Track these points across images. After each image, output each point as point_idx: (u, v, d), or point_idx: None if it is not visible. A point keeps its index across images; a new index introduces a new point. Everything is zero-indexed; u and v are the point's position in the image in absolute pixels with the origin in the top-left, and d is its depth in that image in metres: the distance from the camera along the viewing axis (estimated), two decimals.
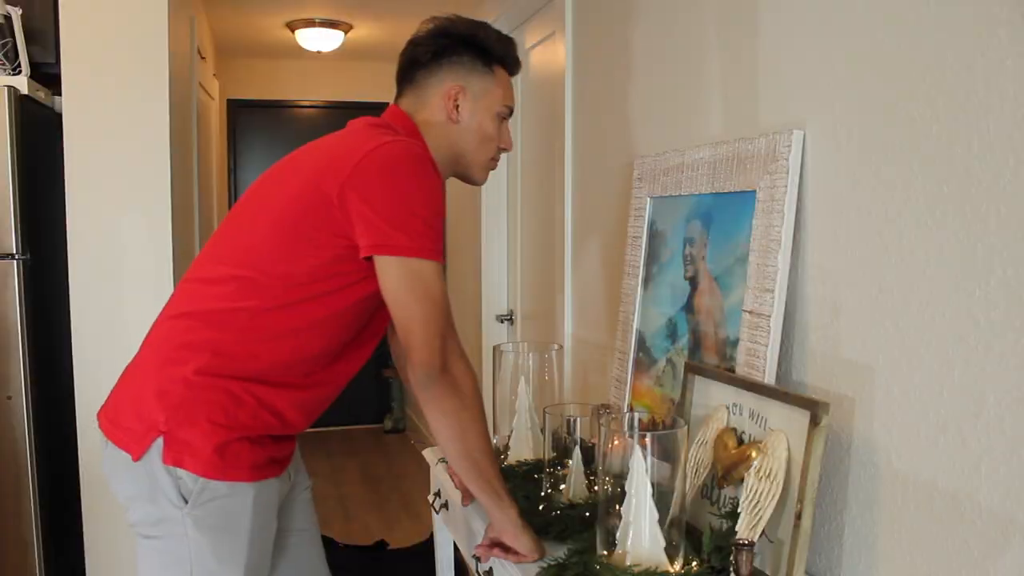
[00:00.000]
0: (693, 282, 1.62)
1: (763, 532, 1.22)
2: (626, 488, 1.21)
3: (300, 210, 1.35)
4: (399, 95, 1.56)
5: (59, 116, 2.68)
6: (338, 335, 1.42)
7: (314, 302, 1.36)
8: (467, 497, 1.61)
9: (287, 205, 1.37)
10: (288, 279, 1.35)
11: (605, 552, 1.25)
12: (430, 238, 1.33)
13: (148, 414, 1.34)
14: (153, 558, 1.39)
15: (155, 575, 1.39)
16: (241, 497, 1.35)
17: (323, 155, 1.41)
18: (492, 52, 1.53)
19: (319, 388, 1.44)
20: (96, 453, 2.69)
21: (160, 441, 1.32)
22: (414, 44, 1.56)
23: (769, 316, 1.36)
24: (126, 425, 1.36)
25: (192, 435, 1.32)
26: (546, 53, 2.92)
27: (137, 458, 1.34)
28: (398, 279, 1.33)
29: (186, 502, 1.33)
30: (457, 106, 1.52)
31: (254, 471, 1.36)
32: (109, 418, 1.41)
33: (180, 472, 1.32)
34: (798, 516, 1.17)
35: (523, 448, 1.85)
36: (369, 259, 1.34)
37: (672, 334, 1.68)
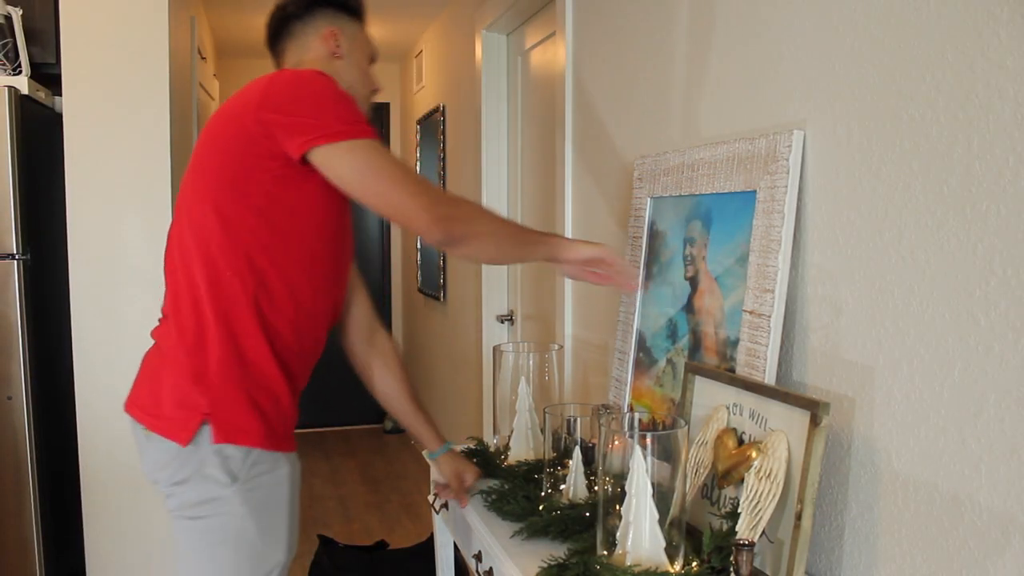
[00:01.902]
0: (693, 282, 1.62)
1: (763, 532, 1.22)
2: (626, 488, 1.21)
3: (231, 161, 1.40)
4: (279, 58, 1.66)
5: (59, 116, 2.69)
6: (313, 253, 1.46)
7: (284, 232, 1.41)
8: (465, 500, 1.70)
9: (216, 167, 1.42)
10: (248, 226, 1.40)
11: (605, 552, 1.25)
12: (361, 121, 1.38)
13: (189, 400, 1.39)
14: (198, 538, 1.43)
15: (200, 554, 1.43)
16: (281, 470, 1.44)
17: (230, 107, 1.48)
18: (351, 5, 1.66)
19: (306, 335, 1.50)
20: (96, 453, 2.71)
21: (206, 424, 1.38)
22: (283, 6, 1.65)
23: (769, 316, 1.36)
24: (168, 415, 1.41)
25: (235, 412, 1.39)
26: (546, 53, 2.92)
27: (186, 443, 1.38)
28: (351, 164, 1.36)
29: (234, 480, 1.39)
30: (338, 44, 1.62)
31: (289, 441, 1.45)
32: (147, 410, 1.46)
33: (229, 450, 1.38)
34: (798, 516, 1.17)
35: (523, 448, 1.85)
36: (306, 163, 1.36)
37: (672, 334, 1.68)
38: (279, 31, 1.66)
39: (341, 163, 1.36)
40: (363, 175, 1.36)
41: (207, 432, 1.38)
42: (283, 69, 1.50)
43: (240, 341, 1.40)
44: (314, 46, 1.62)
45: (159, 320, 1.54)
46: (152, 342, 1.54)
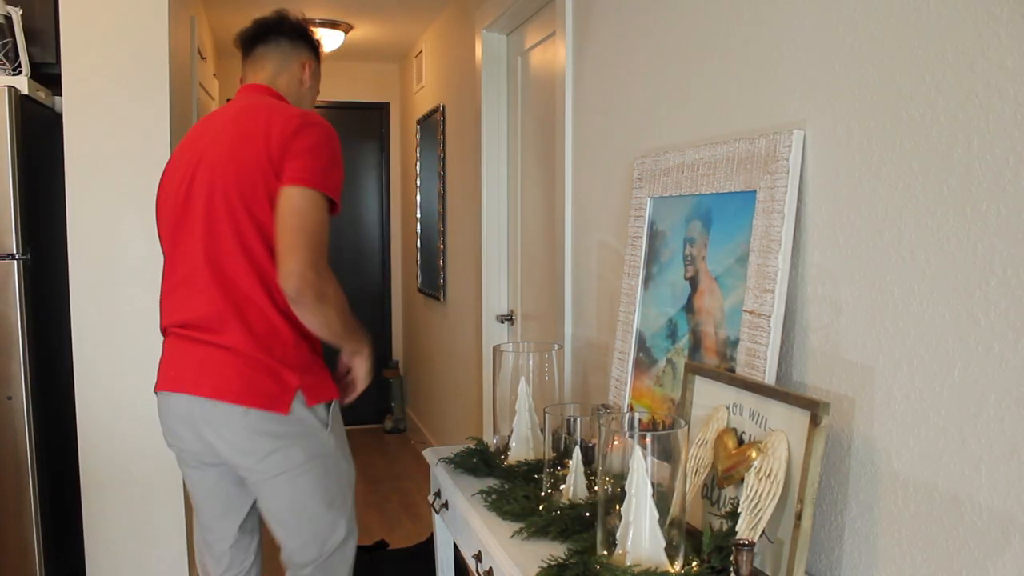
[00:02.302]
0: (693, 282, 1.62)
1: (763, 532, 1.22)
2: (626, 488, 1.21)
3: (254, 182, 1.75)
4: (254, 59, 2.00)
5: (59, 116, 2.69)
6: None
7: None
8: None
9: (243, 174, 1.76)
10: (267, 230, 1.76)
11: (605, 552, 1.25)
12: (339, 187, 1.83)
13: (281, 379, 1.77)
14: (313, 484, 1.82)
15: (315, 495, 1.83)
16: (336, 409, 1.89)
17: (254, 127, 1.79)
18: (318, 46, 2.10)
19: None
20: (96, 453, 2.71)
21: (299, 392, 1.78)
22: (280, 23, 2.01)
23: (769, 316, 1.36)
24: (267, 391, 1.75)
25: (315, 379, 1.82)
26: (546, 53, 2.92)
27: (287, 412, 1.76)
28: (301, 200, 1.75)
29: (326, 427, 1.83)
30: (309, 75, 2.06)
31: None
32: (238, 395, 1.74)
33: (319, 409, 1.82)
34: (798, 516, 1.17)
35: (523, 448, 1.85)
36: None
37: (672, 334, 1.68)
38: (267, 38, 2.00)
39: (290, 196, 1.73)
40: (290, 212, 1.73)
41: (300, 399, 1.78)
42: (309, 113, 1.85)
43: (297, 328, 1.78)
44: (292, 69, 2.02)
45: (194, 328, 1.79)
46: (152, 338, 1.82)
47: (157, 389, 1.89)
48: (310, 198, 1.73)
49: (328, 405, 1.85)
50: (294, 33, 2.02)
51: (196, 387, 1.76)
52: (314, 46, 2.07)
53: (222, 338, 1.76)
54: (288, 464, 1.79)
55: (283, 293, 1.71)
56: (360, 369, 1.95)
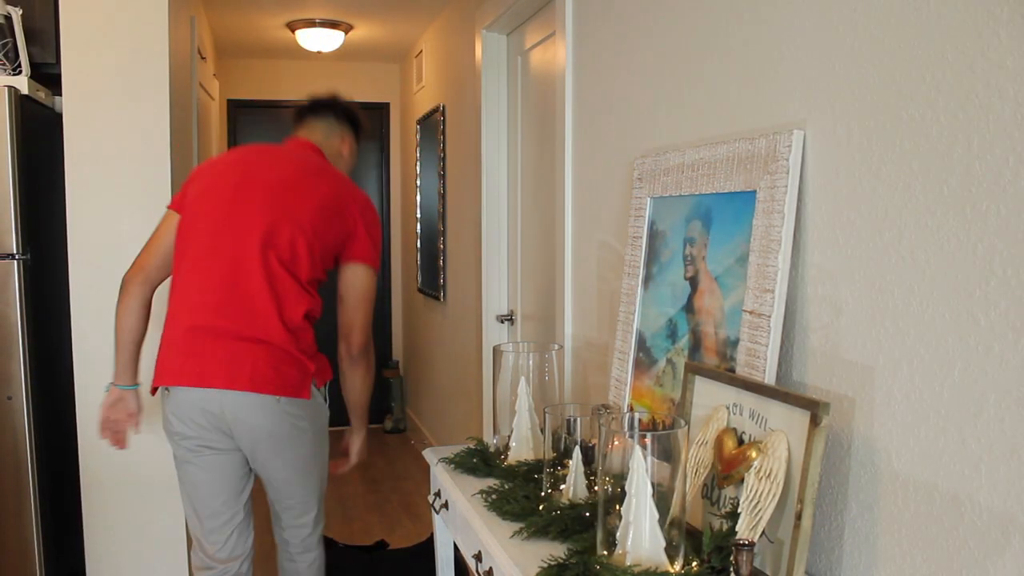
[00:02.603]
0: (693, 282, 1.62)
1: (763, 532, 1.22)
2: (626, 488, 1.21)
3: (321, 244, 2.13)
4: (305, 125, 2.36)
5: (59, 116, 2.69)
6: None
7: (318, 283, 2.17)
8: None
9: (312, 228, 2.10)
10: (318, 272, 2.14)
11: (605, 552, 1.25)
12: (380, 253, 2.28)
13: (304, 369, 2.07)
14: (315, 443, 2.18)
15: (315, 448, 2.19)
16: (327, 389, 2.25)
17: (325, 192, 2.15)
18: (362, 130, 2.48)
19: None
20: (96, 453, 2.71)
21: (313, 380, 2.11)
22: (333, 103, 2.40)
23: (769, 316, 1.36)
24: (292, 382, 2.04)
25: (322, 368, 2.15)
26: (546, 53, 2.92)
27: (309, 396, 2.09)
28: (365, 280, 2.22)
29: (325, 400, 2.21)
30: (348, 150, 2.43)
31: None
32: (273, 383, 2.02)
33: (324, 389, 2.18)
34: (798, 516, 1.17)
35: (523, 448, 1.85)
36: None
37: (672, 334, 1.68)
38: (318, 112, 2.37)
39: (362, 276, 2.20)
40: (363, 291, 2.20)
41: (313, 384, 2.10)
42: (361, 194, 2.25)
43: (311, 322, 2.13)
44: (334, 141, 2.37)
45: (221, 326, 2.01)
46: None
47: (170, 383, 2.04)
48: (372, 276, 2.21)
49: (327, 385, 2.21)
50: (341, 112, 2.39)
51: (231, 382, 1.99)
52: (356, 126, 2.44)
53: (256, 333, 2.01)
54: (300, 437, 2.12)
55: (348, 348, 2.21)
56: (356, 446, 2.40)
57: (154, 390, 2.12)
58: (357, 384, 2.26)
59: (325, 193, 2.12)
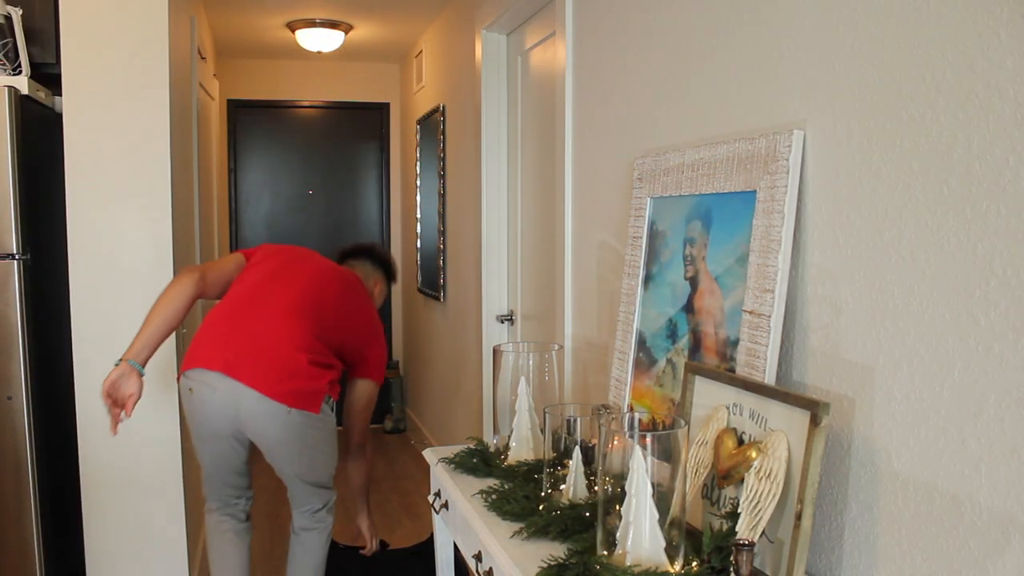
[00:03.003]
0: (693, 282, 1.62)
1: (763, 532, 1.22)
2: (626, 488, 1.21)
3: (350, 326, 2.57)
4: (356, 261, 2.88)
5: (59, 116, 2.68)
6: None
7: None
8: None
9: (342, 312, 2.54)
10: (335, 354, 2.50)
11: (605, 552, 1.25)
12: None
13: (318, 384, 2.36)
14: (326, 451, 2.48)
15: (324, 453, 2.48)
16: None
17: (355, 298, 2.63)
18: (393, 279, 3.01)
19: None
20: (96, 453, 2.71)
21: (326, 395, 2.41)
22: (372, 249, 2.96)
23: (769, 316, 1.36)
24: (308, 398, 2.34)
25: (332, 386, 2.43)
26: (546, 53, 2.92)
27: (318, 411, 2.38)
28: (368, 393, 2.71)
29: (332, 410, 2.46)
30: (379, 290, 2.91)
31: None
32: (292, 394, 2.30)
33: (331, 402, 2.44)
34: (798, 516, 1.17)
35: (523, 448, 1.85)
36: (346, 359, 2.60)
37: (672, 334, 1.68)
38: (359, 255, 2.90)
39: (366, 389, 2.69)
40: (367, 401, 2.71)
41: (325, 396, 2.41)
42: (381, 329, 2.72)
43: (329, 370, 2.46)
44: (370, 284, 2.84)
45: (262, 329, 2.34)
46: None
47: (200, 367, 2.31)
48: (376, 391, 2.71)
49: (335, 402, 2.50)
50: (378, 260, 2.92)
51: (253, 383, 2.28)
52: (389, 273, 2.97)
53: (287, 353, 2.34)
54: (307, 442, 2.41)
55: (347, 444, 2.70)
56: (365, 526, 2.86)
57: (179, 377, 2.40)
58: (355, 474, 2.76)
59: (362, 304, 2.64)
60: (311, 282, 2.49)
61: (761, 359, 1.36)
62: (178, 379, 2.39)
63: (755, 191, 1.43)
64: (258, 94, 5.64)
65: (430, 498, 2.05)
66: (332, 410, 2.47)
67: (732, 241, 1.50)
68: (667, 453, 1.22)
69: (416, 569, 2.79)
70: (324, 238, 5.63)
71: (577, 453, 1.62)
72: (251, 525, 2.61)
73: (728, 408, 1.39)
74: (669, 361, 1.68)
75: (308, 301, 2.42)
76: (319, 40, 4.73)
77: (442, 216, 4.49)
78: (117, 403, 2.21)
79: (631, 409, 1.79)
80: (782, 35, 1.44)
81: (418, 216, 5.20)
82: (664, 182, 1.76)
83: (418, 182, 5.16)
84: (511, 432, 1.87)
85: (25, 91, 2.52)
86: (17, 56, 2.57)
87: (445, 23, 4.37)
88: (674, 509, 1.22)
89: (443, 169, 4.44)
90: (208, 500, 2.54)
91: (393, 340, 6.03)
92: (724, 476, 1.33)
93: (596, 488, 1.46)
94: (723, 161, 1.53)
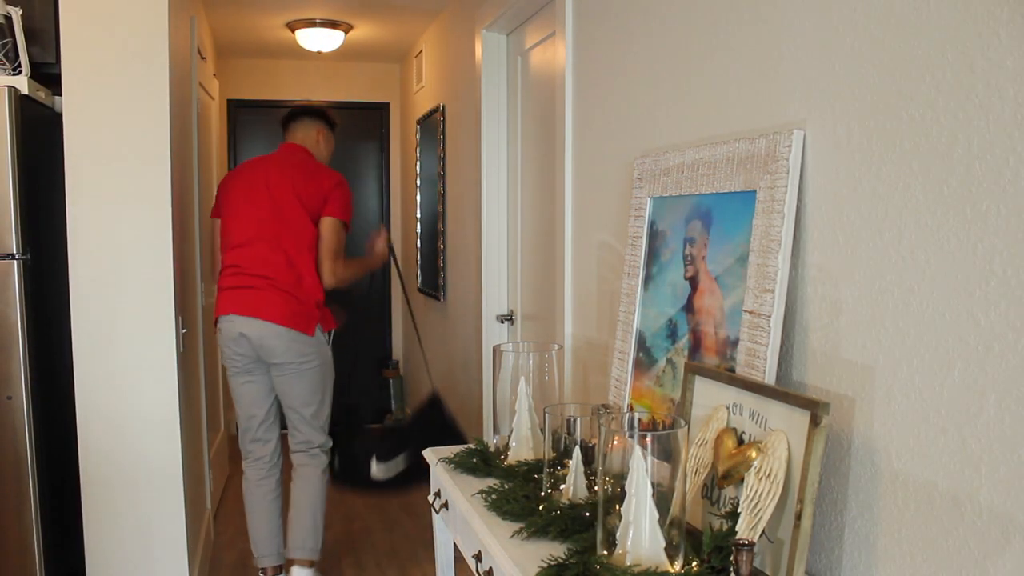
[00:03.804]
0: (693, 282, 1.62)
1: (763, 532, 1.22)
2: (626, 488, 1.21)
3: (310, 211, 3.05)
4: (290, 131, 3.27)
5: (59, 116, 2.68)
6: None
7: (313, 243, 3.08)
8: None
9: (301, 208, 3.04)
10: (310, 237, 3.05)
11: (605, 552, 1.25)
12: (350, 215, 3.18)
13: (313, 314, 2.98)
14: (321, 375, 3.05)
15: (322, 380, 3.06)
16: (330, 336, 3.12)
17: (308, 179, 3.10)
18: (333, 126, 3.36)
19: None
20: (96, 453, 2.71)
21: (319, 324, 3.00)
22: (308, 110, 3.31)
23: (769, 316, 1.36)
24: (303, 321, 2.95)
25: (324, 315, 3.03)
26: (546, 53, 2.92)
27: (312, 334, 2.98)
28: (332, 229, 3.07)
29: (328, 341, 3.06)
30: (323, 140, 3.30)
31: None
32: (286, 320, 2.93)
33: (325, 334, 3.02)
34: (798, 516, 1.17)
35: (523, 448, 1.85)
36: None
37: (672, 334, 1.68)
38: (299, 119, 3.26)
39: (328, 224, 3.06)
40: (330, 236, 3.06)
41: (318, 327, 3.00)
42: (336, 175, 3.17)
43: (319, 288, 3.04)
44: (311, 136, 3.26)
45: (260, 278, 2.96)
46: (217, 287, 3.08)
47: (226, 313, 2.97)
48: (340, 227, 3.08)
49: (331, 332, 3.08)
50: (313, 113, 3.28)
51: (263, 315, 2.92)
52: (327, 121, 3.31)
53: (270, 283, 2.95)
54: (307, 366, 2.99)
55: (323, 279, 3.03)
56: (379, 245, 3.45)
57: (215, 323, 3.05)
58: (342, 287, 3.13)
59: (306, 177, 3.08)
60: (267, 205, 3.03)
61: (761, 359, 1.36)
62: (215, 325, 3.06)
63: (755, 191, 1.43)
64: (258, 94, 5.64)
65: (430, 498, 2.05)
66: (328, 340, 3.07)
67: (732, 241, 1.50)
68: (667, 453, 1.22)
69: (420, 435, 3.29)
70: None
71: (577, 453, 1.62)
72: (279, 479, 3.15)
73: (728, 408, 1.39)
74: (669, 361, 1.68)
75: (271, 224, 3.01)
76: (319, 40, 4.73)
77: (442, 216, 4.49)
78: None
79: (631, 409, 1.79)
80: (782, 35, 1.44)
81: (418, 216, 5.20)
82: (664, 182, 1.76)
83: (418, 182, 5.16)
84: (511, 432, 1.87)
85: (25, 91, 2.52)
86: (17, 56, 2.57)
87: (445, 23, 4.37)
88: (674, 509, 1.22)
89: (443, 169, 4.44)
90: (243, 453, 3.15)
91: (393, 340, 6.04)
92: (724, 476, 1.33)
93: (596, 488, 1.46)
94: (723, 161, 1.53)
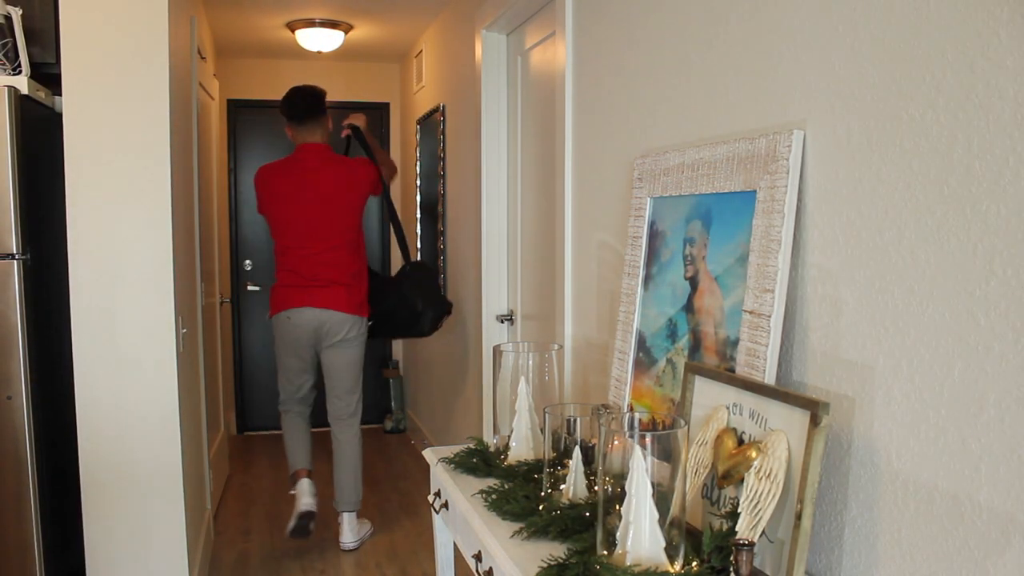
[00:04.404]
0: (693, 282, 1.62)
1: (763, 532, 1.22)
2: (626, 488, 1.21)
3: (355, 206, 3.71)
4: (307, 135, 3.71)
5: (59, 116, 2.68)
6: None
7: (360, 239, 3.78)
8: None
9: (346, 204, 3.67)
10: (356, 233, 3.73)
11: (605, 552, 1.25)
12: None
13: (359, 300, 3.66)
14: (360, 352, 3.74)
15: (360, 356, 3.75)
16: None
17: (344, 177, 3.69)
18: (323, 98, 3.75)
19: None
20: (96, 453, 2.71)
21: (360, 309, 3.70)
22: (308, 105, 3.71)
23: (769, 316, 1.36)
24: (349, 308, 3.62)
25: (365, 304, 3.74)
26: (546, 53, 2.92)
27: (360, 315, 3.68)
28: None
29: (367, 326, 3.79)
30: (328, 122, 3.79)
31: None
32: (340, 306, 3.61)
33: (365, 319, 3.72)
34: (798, 516, 1.17)
35: (523, 448, 1.85)
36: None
37: (672, 334, 1.68)
38: (305, 122, 3.70)
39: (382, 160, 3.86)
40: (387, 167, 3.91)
41: (361, 310, 3.70)
42: (356, 160, 3.81)
43: (365, 280, 3.76)
44: (321, 131, 3.73)
45: (318, 269, 3.62)
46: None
47: (288, 307, 3.63)
48: (381, 188, 3.87)
49: (368, 318, 3.79)
50: (314, 109, 3.68)
51: (326, 305, 3.62)
52: (324, 110, 3.73)
53: (341, 280, 3.63)
54: (351, 344, 3.71)
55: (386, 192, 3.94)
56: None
57: (271, 316, 3.71)
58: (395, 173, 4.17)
59: (336, 174, 3.67)
60: (318, 210, 3.63)
61: (761, 359, 1.36)
62: (269, 316, 3.74)
63: (755, 191, 1.43)
64: (258, 94, 5.64)
65: (430, 498, 2.05)
66: (364, 330, 3.74)
67: (732, 241, 1.50)
68: (667, 453, 1.22)
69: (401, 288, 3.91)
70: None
71: (577, 453, 1.62)
72: (309, 416, 3.92)
73: (728, 408, 1.39)
74: (669, 361, 1.68)
75: (328, 231, 3.64)
76: (319, 40, 4.73)
77: (442, 216, 4.49)
78: None
79: (631, 409, 1.79)
80: (782, 35, 1.44)
81: (418, 216, 5.20)
82: (664, 182, 1.76)
83: (418, 182, 5.16)
84: (511, 432, 1.87)
85: (25, 91, 2.52)
86: (17, 56, 2.57)
87: (445, 23, 4.37)
88: (674, 509, 1.22)
89: (443, 169, 4.44)
90: (282, 404, 3.85)
91: (393, 340, 6.04)
92: (724, 476, 1.33)
93: (596, 488, 1.46)
94: (723, 161, 1.53)
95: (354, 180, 3.66)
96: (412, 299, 3.89)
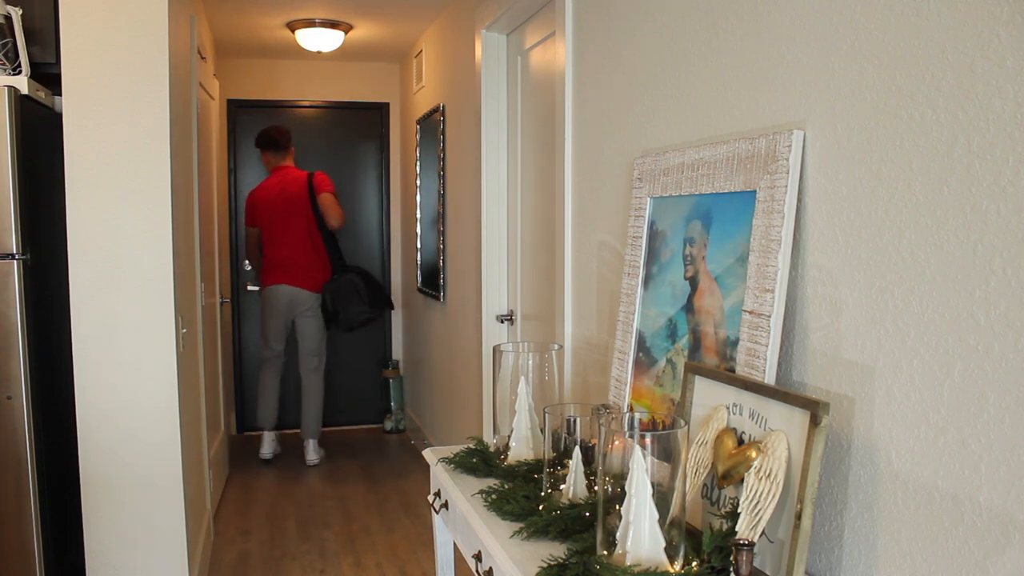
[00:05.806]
0: (693, 282, 1.62)
1: (763, 532, 1.22)
2: (626, 488, 1.21)
3: (311, 208, 4.99)
4: (280, 158, 5.03)
5: (59, 116, 2.68)
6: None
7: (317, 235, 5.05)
8: None
9: (307, 208, 4.97)
10: (317, 232, 5.01)
11: (605, 552, 1.25)
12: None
13: (322, 280, 4.97)
14: (320, 321, 4.98)
15: (321, 323, 4.99)
16: None
17: (304, 186, 4.96)
18: (285, 137, 5.11)
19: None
20: (96, 452, 2.71)
21: (319, 289, 5.03)
22: (273, 140, 5.04)
23: (769, 316, 1.36)
24: (314, 286, 4.93)
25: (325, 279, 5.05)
26: (546, 53, 2.92)
27: (320, 292, 4.98)
28: (329, 201, 4.94)
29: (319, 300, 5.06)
30: (292, 149, 5.13)
31: None
32: (298, 280, 4.89)
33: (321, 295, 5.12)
34: (798, 516, 1.17)
35: (523, 448, 1.85)
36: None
37: (672, 334, 1.68)
38: (279, 149, 5.02)
39: (326, 197, 4.92)
40: (329, 201, 4.93)
41: (317, 287, 4.98)
42: (312, 173, 5.01)
43: (326, 263, 5.05)
44: (290, 155, 5.04)
45: (291, 260, 4.90)
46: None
47: (273, 283, 4.88)
48: (332, 197, 4.91)
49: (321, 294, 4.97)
50: (280, 143, 4.98)
51: (298, 284, 4.88)
52: (287, 141, 5.02)
53: (306, 267, 4.86)
54: (316, 314, 4.91)
55: (332, 225, 4.90)
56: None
57: (262, 289, 4.96)
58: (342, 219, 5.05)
59: (303, 186, 4.91)
60: (292, 221, 4.89)
61: (761, 359, 1.36)
62: (260, 292, 4.99)
63: (755, 191, 1.43)
64: (258, 94, 5.64)
65: (430, 498, 2.05)
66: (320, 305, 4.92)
67: (732, 241, 1.50)
68: (667, 453, 1.22)
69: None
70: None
71: (577, 453, 1.62)
72: (282, 372, 5.10)
73: (728, 408, 1.39)
74: (669, 361, 1.68)
75: (295, 230, 4.87)
76: (319, 40, 4.72)
77: (442, 216, 4.49)
78: None
79: (631, 409, 1.79)
80: (782, 35, 1.44)
81: (418, 216, 5.20)
82: (664, 182, 1.76)
83: (418, 182, 5.16)
84: (511, 432, 1.87)
85: (25, 91, 2.52)
86: (17, 56, 2.57)
87: (445, 23, 4.37)
88: (674, 509, 1.22)
89: (443, 169, 4.44)
90: (264, 360, 5.04)
91: (393, 340, 6.04)
92: (724, 476, 1.33)
93: (596, 488, 1.46)
94: (723, 161, 1.53)
95: (309, 190, 4.92)
96: (327, 302, 4.93)
